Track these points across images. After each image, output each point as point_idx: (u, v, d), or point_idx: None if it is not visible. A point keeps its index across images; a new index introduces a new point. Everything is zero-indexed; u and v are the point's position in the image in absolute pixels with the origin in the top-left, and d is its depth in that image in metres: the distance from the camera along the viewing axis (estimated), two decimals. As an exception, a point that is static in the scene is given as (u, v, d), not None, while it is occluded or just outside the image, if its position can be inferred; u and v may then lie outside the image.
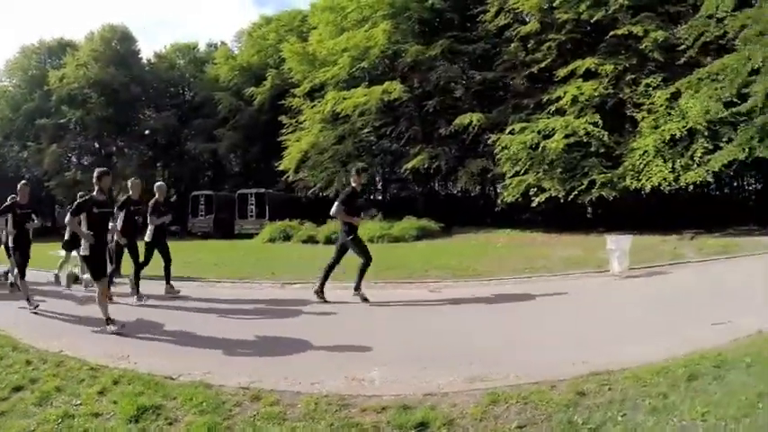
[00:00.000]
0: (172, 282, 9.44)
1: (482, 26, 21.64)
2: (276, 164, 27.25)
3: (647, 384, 3.95)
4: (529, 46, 20.50)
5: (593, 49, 18.40)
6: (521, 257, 12.90)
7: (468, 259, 12.91)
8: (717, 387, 3.77)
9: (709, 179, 14.77)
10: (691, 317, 6.08)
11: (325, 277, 8.26)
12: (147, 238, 9.17)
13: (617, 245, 9.54)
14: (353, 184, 8.48)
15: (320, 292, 8.14)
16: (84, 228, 6.62)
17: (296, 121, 26.76)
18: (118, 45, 37.04)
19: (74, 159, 38.96)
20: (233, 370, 4.84)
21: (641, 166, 15.87)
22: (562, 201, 17.37)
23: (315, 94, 25.96)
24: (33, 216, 8.99)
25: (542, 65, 19.29)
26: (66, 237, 9.52)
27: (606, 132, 16.79)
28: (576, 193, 16.98)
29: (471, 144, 21.69)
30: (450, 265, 11.87)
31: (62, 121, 35.34)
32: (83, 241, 6.70)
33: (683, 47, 14.40)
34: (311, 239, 20.95)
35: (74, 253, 9.35)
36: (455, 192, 27.81)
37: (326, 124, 25.59)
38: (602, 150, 17.21)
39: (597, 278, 9.71)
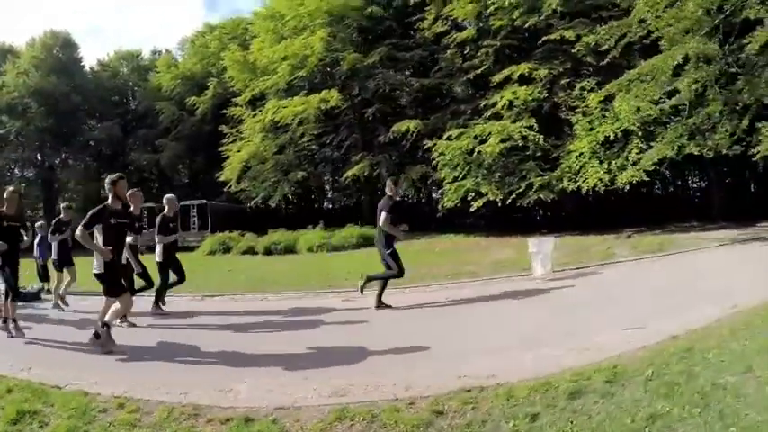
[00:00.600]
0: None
1: (420, 33, 21.49)
2: (217, 174, 26.42)
3: (518, 403, 3.51)
4: (466, 53, 20.53)
5: (529, 55, 18.36)
6: (454, 262, 12.53)
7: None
8: (602, 406, 3.29)
9: (645, 178, 14.44)
10: (605, 321, 5.74)
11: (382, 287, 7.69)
12: (157, 258, 8.39)
13: (539, 247, 9.35)
14: (390, 194, 7.84)
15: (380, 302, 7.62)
16: (99, 242, 5.90)
17: (237, 131, 26.28)
18: (60, 52, 35.50)
19: (16, 172, 37.55)
20: (116, 380, 4.69)
21: (578, 167, 15.78)
22: (500, 204, 17.11)
23: (257, 103, 25.54)
24: (23, 231, 7.43)
25: (479, 71, 19.13)
26: (53, 256, 9.09)
27: (542, 136, 16.66)
28: (513, 196, 16.84)
29: (411, 151, 21.49)
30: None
31: (1, 132, 33.98)
32: (95, 258, 5.88)
33: (604, 47, 14.32)
34: (251, 250, 20.26)
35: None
36: (398, 198, 27.47)
37: (267, 134, 25.19)
38: (539, 154, 17.17)
39: (519, 282, 9.36)
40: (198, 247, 23.06)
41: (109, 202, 6.04)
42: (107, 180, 6.19)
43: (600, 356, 4.31)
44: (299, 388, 4.25)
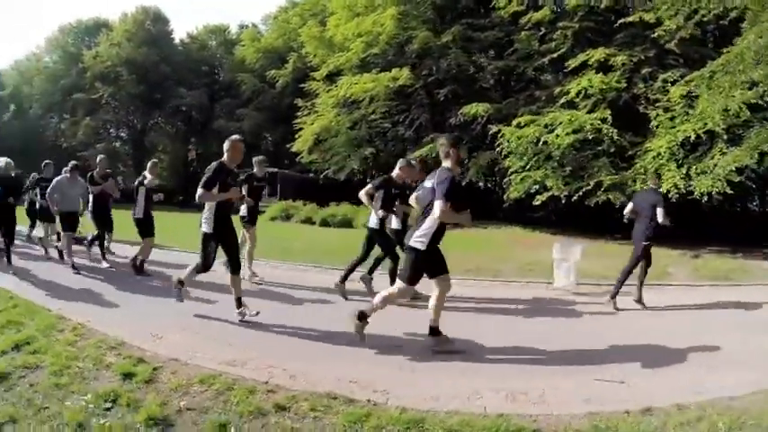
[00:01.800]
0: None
1: (497, 13, 20.16)
2: (288, 145, 26.75)
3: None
4: (542, 34, 19.11)
5: (610, 40, 16.87)
6: (488, 257, 11.67)
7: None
8: None
9: (728, 190, 12.66)
10: (586, 361, 4.86)
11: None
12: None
13: (564, 254, 8.34)
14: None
15: None
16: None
17: (312, 105, 26.34)
18: (151, 26, 38.16)
19: (112, 131, 41.52)
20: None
21: (653, 169, 14.16)
22: (563, 201, 15.98)
23: (334, 78, 25.20)
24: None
25: (555, 55, 17.85)
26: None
27: (616, 130, 15.21)
28: (580, 194, 15.56)
29: (482, 135, 20.27)
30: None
31: (95, 96, 36.98)
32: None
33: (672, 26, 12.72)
34: (309, 221, 21.15)
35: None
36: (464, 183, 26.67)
37: (341, 109, 25.00)
38: (613, 150, 15.79)
39: (537, 289, 8.42)
40: (263, 212, 23.84)
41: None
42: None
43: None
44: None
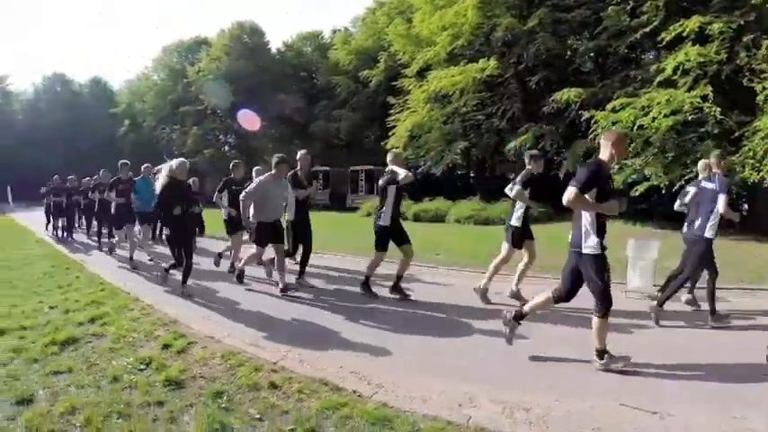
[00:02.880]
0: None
1: (581, -12, 19.21)
2: (383, 143, 26.94)
3: None
4: (632, 8, 17.75)
5: (705, 6, 15.45)
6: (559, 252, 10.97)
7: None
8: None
9: None
10: (621, 380, 4.25)
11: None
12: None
13: (639, 252, 7.53)
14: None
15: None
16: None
17: (404, 102, 26.28)
18: (247, 39, 40.49)
19: (220, 137, 44.68)
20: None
21: (761, 152, 12.99)
22: (663, 191, 14.88)
23: (424, 74, 25.10)
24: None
25: (647, 29, 16.53)
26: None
27: (719, 109, 13.89)
28: (681, 182, 14.28)
29: (577, 122, 19.33)
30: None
31: (201, 107, 40.65)
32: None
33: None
34: (401, 216, 20.72)
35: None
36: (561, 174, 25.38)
37: (433, 104, 24.83)
38: (717, 131, 14.44)
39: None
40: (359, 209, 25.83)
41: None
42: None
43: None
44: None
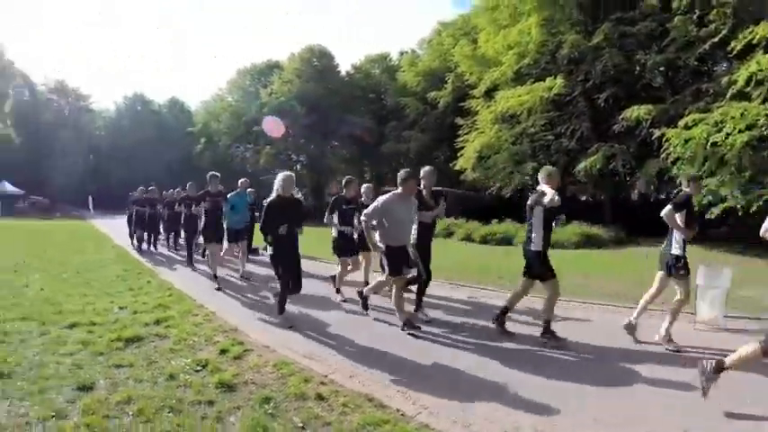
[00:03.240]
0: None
1: (645, 1, 18.79)
2: (452, 164, 26.98)
3: None
4: (698, 17, 17.12)
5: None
6: (636, 281, 10.05)
7: (582, 276, 10.91)
8: None
9: None
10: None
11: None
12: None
13: (711, 280, 6.88)
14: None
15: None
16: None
17: (472, 122, 26.25)
18: (317, 62, 41.79)
19: (293, 157, 45.96)
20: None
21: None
22: (740, 213, 14.04)
23: (492, 94, 25.01)
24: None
25: (716, 39, 15.90)
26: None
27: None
28: (760, 203, 13.57)
29: (648, 141, 18.52)
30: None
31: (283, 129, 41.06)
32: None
33: None
34: (468, 238, 21.16)
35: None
36: (633, 197, 24.38)
37: (501, 124, 24.62)
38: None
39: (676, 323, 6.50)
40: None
41: None
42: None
43: None
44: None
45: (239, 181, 11.24)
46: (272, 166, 40.93)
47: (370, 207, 6.67)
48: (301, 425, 3.74)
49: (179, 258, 14.33)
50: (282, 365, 4.96)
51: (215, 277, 9.83)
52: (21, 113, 52.37)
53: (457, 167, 26.47)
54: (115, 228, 24.46)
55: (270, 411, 3.93)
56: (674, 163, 16.00)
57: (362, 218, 6.71)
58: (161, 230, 17.31)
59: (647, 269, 7.54)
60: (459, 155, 26.27)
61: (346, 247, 8.63)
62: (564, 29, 21.52)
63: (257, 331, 6.32)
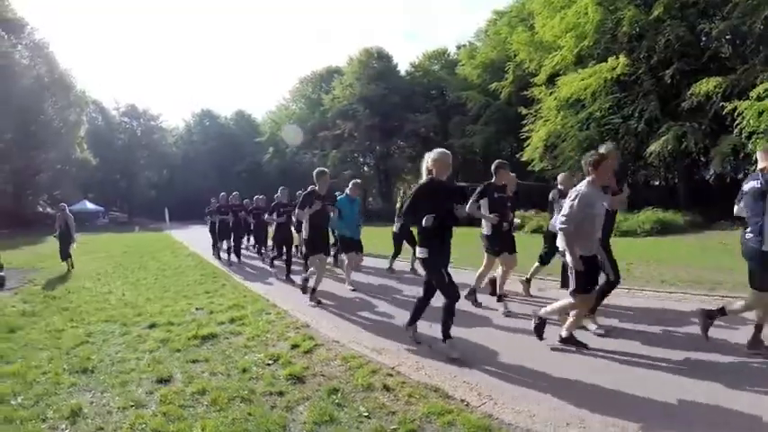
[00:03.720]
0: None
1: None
2: (518, 155, 26.41)
3: None
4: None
5: None
6: (715, 266, 9.62)
7: (654, 264, 10.45)
8: None
9: None
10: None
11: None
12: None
13: None
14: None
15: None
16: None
17: (536, 111, 25.73)
18: (375, 64, 42.21)
19: (360, 159, 46.96)
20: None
21: None
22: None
23: (554, 80, 24.30)
24: None
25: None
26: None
27: None
28: None
29: (720, 116, 17.34)
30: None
31: (338, 132, 43.05)
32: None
33: None
34: (540, 229, 19.70)
35: None
36: (709, 176, 22.70)
37: (566, 110, 24.03)
38: None
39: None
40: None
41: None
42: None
43: None
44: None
45: (351, 182, 9.52)
46: (339, 168, 41.46)
47: (565, 207, 4.95)
48: (367, 414, 3.81)
49: (271, 270, 12.16)
50: (351, 358, 5.07)
51: (313, 292, 8.09)
52: (96, 137, 56.13)
53: (524, 158, 25.83)
54: (190, 236, 25.86)
55: (337, 401, 4.03)
56: (749, 138, 14.92)
57: (560, 225, 4.92)
58: (247, 239, 17.09)
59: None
60: (525, 145, 25.78)
61: (501, 243, 7.10)
62: (621, 5, 20.61)
63: (328, 327, 6.43)
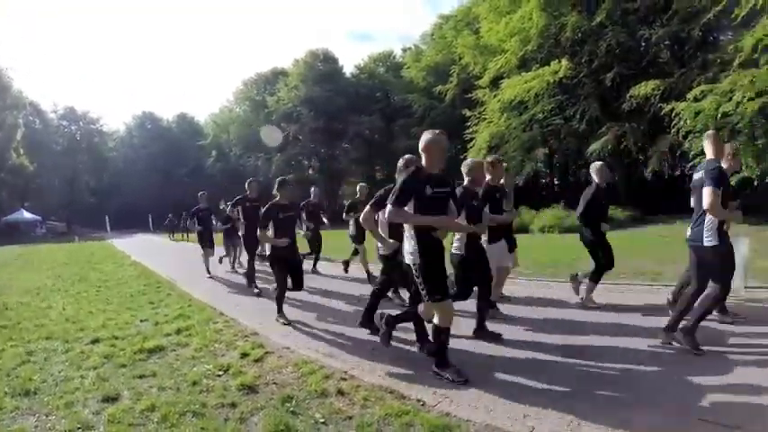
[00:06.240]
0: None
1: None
2: (462, 156, 26.75)
3: None
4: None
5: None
6: (655, 258, 10.26)
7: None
8: None
9: None
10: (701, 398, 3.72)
11: None
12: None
13: None
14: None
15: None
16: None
17: (479, 113, 26.14)
18: (321, 65, 42.19)
19: (304, 162, 46.78)
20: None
21: None
22: (755, 183, 13.79)
23: (498, 83, 24.86)
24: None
25: (719, 6, 15.57)
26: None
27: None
28: (772, 171, 13.36)
29: (658, 118, 18.24)
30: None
31: (283, 134, 42.57)
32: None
33: None
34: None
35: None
36: (647, 175, 23.94)
37: (510, 112, 24.56)
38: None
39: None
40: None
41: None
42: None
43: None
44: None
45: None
46: (284, 172, 41.12)
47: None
48: (323, 420, 3.76)
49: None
50: (303, 364, 4.99)
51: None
52: (33, 142, 53.54)
53: (468, 159, 26.19)
54: (133, 245, 25.11)
55: (292, 409, 3.95)
56: (685, 137, 15.77)
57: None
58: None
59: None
60: (469, 147, 26.08)
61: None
62: (565, 11, 21.37)
63: (278, 334, 6.31)
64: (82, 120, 62.81)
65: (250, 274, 9.73)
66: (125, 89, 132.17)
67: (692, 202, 5.02)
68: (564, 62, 20.68)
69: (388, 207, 4.16)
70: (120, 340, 6.24)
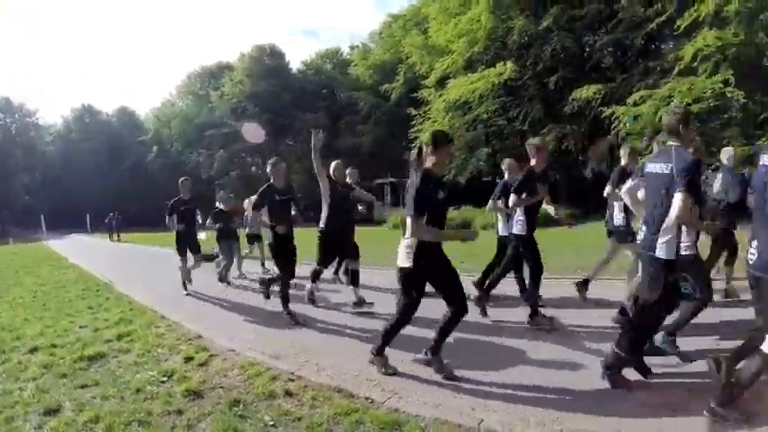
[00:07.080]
0: None
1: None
2: (404, 156, 27.00)
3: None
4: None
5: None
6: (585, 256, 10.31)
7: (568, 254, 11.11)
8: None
9: None
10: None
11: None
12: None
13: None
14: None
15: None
16: None
17: (424, 112, 26.41)
18: (267, 60, 41.64)
19: (247, 159, 45.79)
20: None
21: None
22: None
23: (444, 83, 25.14)
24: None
25: (663, 17, 16.34)
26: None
27: (742, 93, 13.62)
28: (708, 171, 13.95)
29: (599, 120, 18.94)
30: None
31: (227, 130, 41.56)
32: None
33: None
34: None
35: None
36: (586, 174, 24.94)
37: (454, 112, 24.87)
38: (741, 116, 14.15)
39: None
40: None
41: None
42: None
43: None
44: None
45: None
46: (226, 169, 40.45)
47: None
48: (272, 423, 3.72)
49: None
50: (249, 366, 4.93)
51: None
52: (-37, 135, 49.12)
53: (411, 158, 26.38)
54: (70, 246, 24.04)
55: (240, 413, 3.89)
56: (624, 139, 16.37)
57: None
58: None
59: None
60: (413, 146, 26.18)
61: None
62: (513, 14, 21.80)
63: (222, 337, 6.14)
64: (18, 112, 58.53)
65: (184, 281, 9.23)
66: (63, 82, 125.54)
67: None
68: (509, 64, 21.07)
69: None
70: (60, 348, 5.97)
